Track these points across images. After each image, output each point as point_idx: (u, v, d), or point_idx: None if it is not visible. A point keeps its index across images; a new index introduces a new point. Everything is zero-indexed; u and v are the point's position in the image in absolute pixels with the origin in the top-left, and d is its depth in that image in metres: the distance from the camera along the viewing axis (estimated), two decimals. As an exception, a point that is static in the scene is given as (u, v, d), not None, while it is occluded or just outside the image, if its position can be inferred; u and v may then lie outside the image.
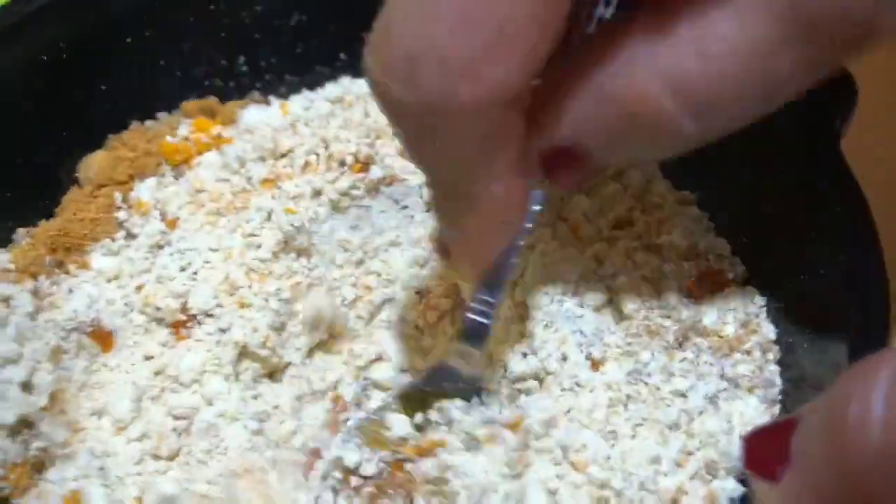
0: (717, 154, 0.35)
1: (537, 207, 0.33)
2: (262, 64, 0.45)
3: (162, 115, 0.43)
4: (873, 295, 0.31)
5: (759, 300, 0.37)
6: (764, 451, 0.27)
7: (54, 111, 0.40)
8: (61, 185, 0.41)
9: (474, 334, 0.34)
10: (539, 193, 0.32)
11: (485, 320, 0.34)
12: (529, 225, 0.33)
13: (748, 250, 0.39)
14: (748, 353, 0.36)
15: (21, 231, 0.39)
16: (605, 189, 0.40)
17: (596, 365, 0.35)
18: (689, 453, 0.33)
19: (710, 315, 0.36)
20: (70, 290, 0.38)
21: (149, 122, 0.43)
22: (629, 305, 0.36)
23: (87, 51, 0.41)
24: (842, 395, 0.24)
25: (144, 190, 0.41)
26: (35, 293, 0.37)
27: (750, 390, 0.35)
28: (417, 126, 0.29)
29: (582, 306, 0.36)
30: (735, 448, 0.33)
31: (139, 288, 0.38)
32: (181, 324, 0.37)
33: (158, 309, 0.37)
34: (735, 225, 0.39)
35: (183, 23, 0.43)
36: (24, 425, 0.34)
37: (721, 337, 0.36)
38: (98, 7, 0.41)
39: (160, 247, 0.39)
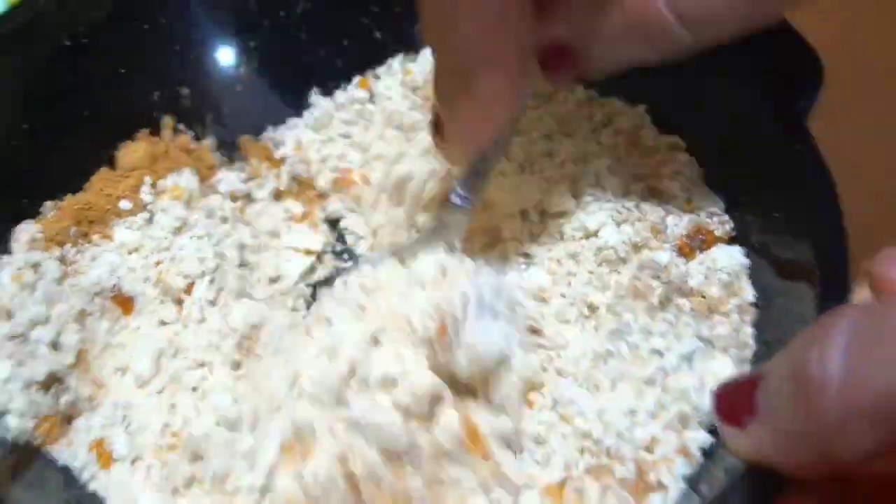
0: (695, 121, 0.38)
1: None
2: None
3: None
4: (835, 256, 0.33)
5: (744, 261, 0.38)
6: (732, 402, 0.29)
7: (87, 98, 0.42)
8: (88, 168, 0.42)
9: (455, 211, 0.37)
10: (528, 93, 0.35)
11: (465, 204, 0.37)
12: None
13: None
14: (726, 315, 0.37)
15: (49, 204, 0.41)
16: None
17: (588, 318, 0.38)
18: (664, 406, 0.35)
19: (696, 277, 0.38)
20: (93, 258, 0.40)
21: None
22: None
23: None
24: (803, 348, 0.26)
25: (176, 179, 0.42)
26: (61, 260, 0.39)
27: (724, 350, 0.37)
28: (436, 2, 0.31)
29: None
30: (706, 403, 0.34)
31: (157, 263, 0.40)
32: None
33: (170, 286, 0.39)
34: (714, 179, 0.41)
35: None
36: (54, 381, 0.36)
37: (704, 298, 0.38)
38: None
39: (180, 230, 0.41)
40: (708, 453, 0.34)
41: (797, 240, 0.35)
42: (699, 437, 0.34)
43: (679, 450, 0.34)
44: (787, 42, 0.37)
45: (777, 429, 0.27)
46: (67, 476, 0.36)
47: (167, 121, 0.44)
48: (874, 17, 0.55)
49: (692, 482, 0.33)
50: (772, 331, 0.37)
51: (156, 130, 0.44)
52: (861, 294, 0.33)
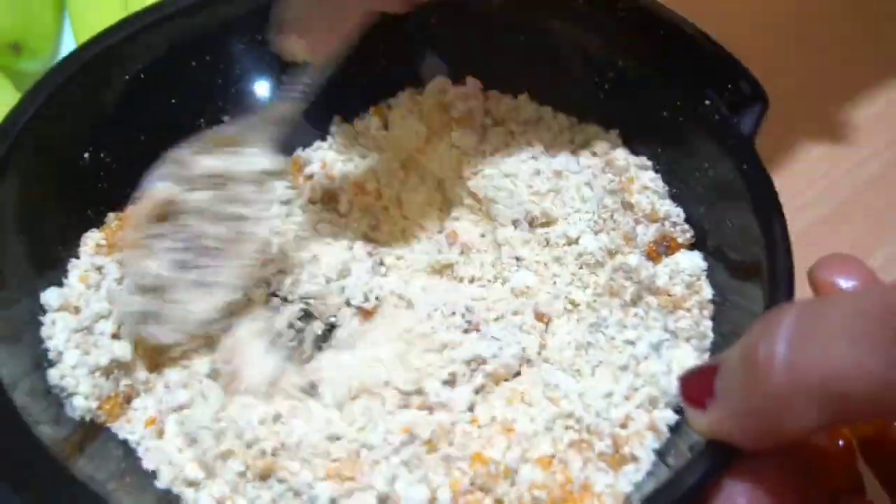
0: (658, 144, 0.41)
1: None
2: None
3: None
4: (780, 259, 0.36)
5: (703, 264, 0.41)
6: (695, 387, 0.31)
7: (143, 124, 0.45)
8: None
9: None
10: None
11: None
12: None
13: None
14: (688, 310, 0.41)
15: (111, 215, 0.44)
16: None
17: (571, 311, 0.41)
18: (636, 389, 0.38)
19: (662, 277, 0.41)
20: None
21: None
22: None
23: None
24: (753, 339, 0.28)
25: None
26: (121, 263, 0.42)
27: (687, 340, 0.40)
28: None
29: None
30: (672, 386, 0.37)
31: None
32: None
33: None
34: (676, 194, 0.44)
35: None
36: (115, 367, 0.39)
37: (670, 296, 0.41)
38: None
39: None
40: (674, 429, 0.36)
41: (747, 245, 0.38)
42: (667, 416, 0.37)
43: (650, 427, 0.36)
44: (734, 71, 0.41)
45: (732, 408, 0.29)
46: (126, 448, 0.39)
47: None
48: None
49: (661, 455, 0.36)
50: (727, 324, 0.39)
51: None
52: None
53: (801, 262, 0.36)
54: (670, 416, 0.37)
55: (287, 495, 0.35)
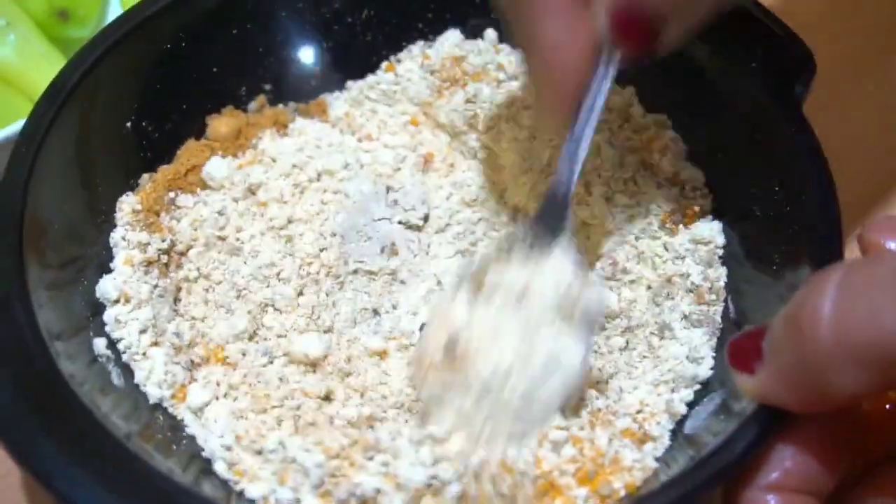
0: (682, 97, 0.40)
1: (608, 81, 0.34)
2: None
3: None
4: (830, 223, 0.36)
5: (721, 239, 0.41)
6: (743, 351, 0.31)
7: (185, 92, 0.46)
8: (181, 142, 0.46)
9: (553, 200, 0.36)
10: (610, 70, 0.33)
11: (564, 185, 0.35)
12: (606, 88, 0.34)
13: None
14: (703, 295, 0.41)
15: (145, 176, 0.44)
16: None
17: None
18: (656, 366, 0.39)
19: (680, 249, 0.41)
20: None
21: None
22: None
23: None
24: (800, 298, 0.28)
25: (263, 143, 0.46)
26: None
27: (700, 323, 0.40)
28: None
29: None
30: (686, 368, 0.38)
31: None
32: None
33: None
34: (697, 154, 0.44)
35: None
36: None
37: (690, 283, 0.41)
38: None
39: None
40: (691, 406, 0.37)
41: (795, 210, 0.38)
42: (682, 395, 0.38)
43: (665, 406, 0.37)
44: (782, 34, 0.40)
45: (780, 369, 0.29)
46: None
47: (260, 99, 0.48)
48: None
49: (678, 430, 0.37)
50: (749, 299, 0.40)
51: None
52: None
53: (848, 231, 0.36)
54: (686, 394, 0.38)
55: None
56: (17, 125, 0.44)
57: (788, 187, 0.38)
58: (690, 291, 0.41)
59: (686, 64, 0.41)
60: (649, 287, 0.41)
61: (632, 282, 0.41)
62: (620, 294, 0.41)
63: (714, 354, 0.39)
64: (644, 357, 0.40)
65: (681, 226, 0.42)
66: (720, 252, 0.41)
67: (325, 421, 0.36)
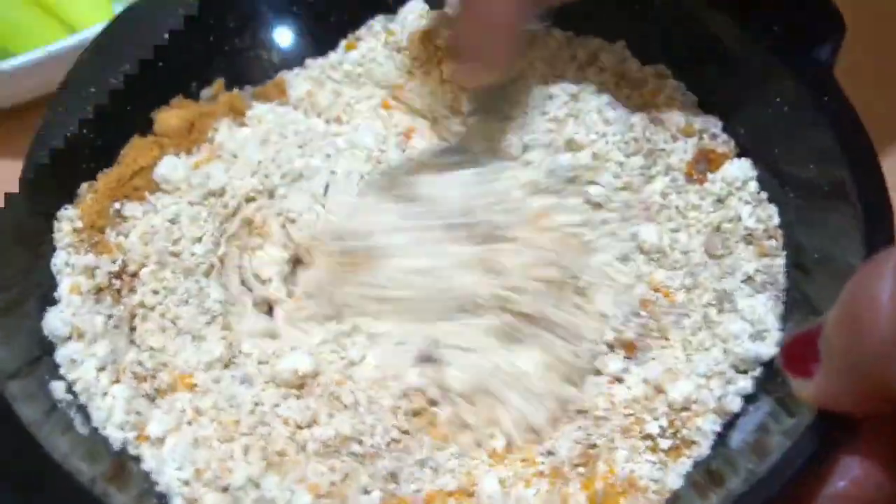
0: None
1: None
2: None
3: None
4: (877, 199, 0.33)
5: (752, 172, 0.39)
6: (798, 354, 0.29)
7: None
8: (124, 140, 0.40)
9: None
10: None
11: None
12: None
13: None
14: (762, 245, 0.37)
15: (84, 186, 0.39)
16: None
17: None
18: (708, 350, 0.36)
19: (735, 206, 0.38)
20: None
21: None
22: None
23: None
24: (853, 292, 0.26)
25: (220, 135, 0.41)
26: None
27: (763, 286, 0.37)
28: None
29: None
30: (748, 348, 0.35)
31: None
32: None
33: None
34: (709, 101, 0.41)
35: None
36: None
37: (744, 228, 0.38)
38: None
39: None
40: (749, 399, 0.35)
41: (832, 187, 0.35)
42: (740, 384, 0.35)
43: (718, 404, 0.35)
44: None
45: (838, 369, 0.27)
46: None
47: (218, 83, 0.43)
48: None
49: (728, 428, 0.35)
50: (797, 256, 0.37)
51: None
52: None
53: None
54: (744, 385, 0.35)
55: None
56: (43, 50, 0.48)
57: (816, 162, 0.36)
58: (748, 242, 0.38)
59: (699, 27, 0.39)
60: (699, 232, 0.38)
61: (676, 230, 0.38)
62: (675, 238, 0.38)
63: (780, 327, 0.36)
64: (697, 332, 0.36)
65: (708, 174, 0.39)
66: (758, 189, 0.39)
67: (294, 450, 0.34)
